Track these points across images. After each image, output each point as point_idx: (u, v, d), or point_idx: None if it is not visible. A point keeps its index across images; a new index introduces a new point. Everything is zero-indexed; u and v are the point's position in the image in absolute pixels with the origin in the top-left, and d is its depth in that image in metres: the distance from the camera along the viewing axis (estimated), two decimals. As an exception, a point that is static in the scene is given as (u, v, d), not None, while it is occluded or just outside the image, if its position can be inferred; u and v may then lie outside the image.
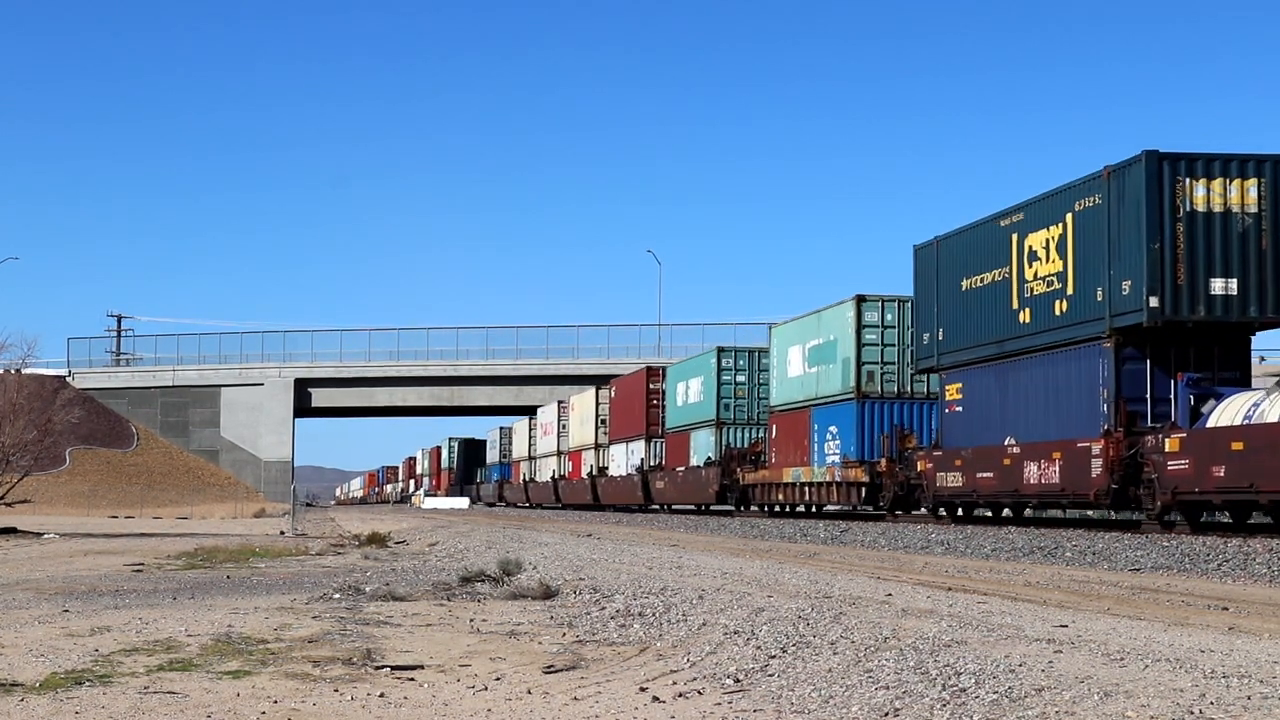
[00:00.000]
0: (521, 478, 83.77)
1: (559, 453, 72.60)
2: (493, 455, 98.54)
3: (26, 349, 46.90)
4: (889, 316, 35.29)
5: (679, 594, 12.30)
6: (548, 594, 13.59)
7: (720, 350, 47.48)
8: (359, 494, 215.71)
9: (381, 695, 8.17)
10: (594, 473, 63.94)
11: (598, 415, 63.78)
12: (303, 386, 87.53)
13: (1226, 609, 11.26)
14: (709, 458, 46.87)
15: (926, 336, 31.48)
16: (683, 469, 50.27)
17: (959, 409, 30.17)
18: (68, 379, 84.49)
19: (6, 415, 38.48)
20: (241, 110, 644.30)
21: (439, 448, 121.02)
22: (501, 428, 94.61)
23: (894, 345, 35.20)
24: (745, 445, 45.32)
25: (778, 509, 42.15)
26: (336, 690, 8.32)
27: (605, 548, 21.94)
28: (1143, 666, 7.13)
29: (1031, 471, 26.50)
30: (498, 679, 8.82)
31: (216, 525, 47.26)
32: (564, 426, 71.85)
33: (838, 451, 35.96)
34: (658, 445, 55.05)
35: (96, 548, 27.36)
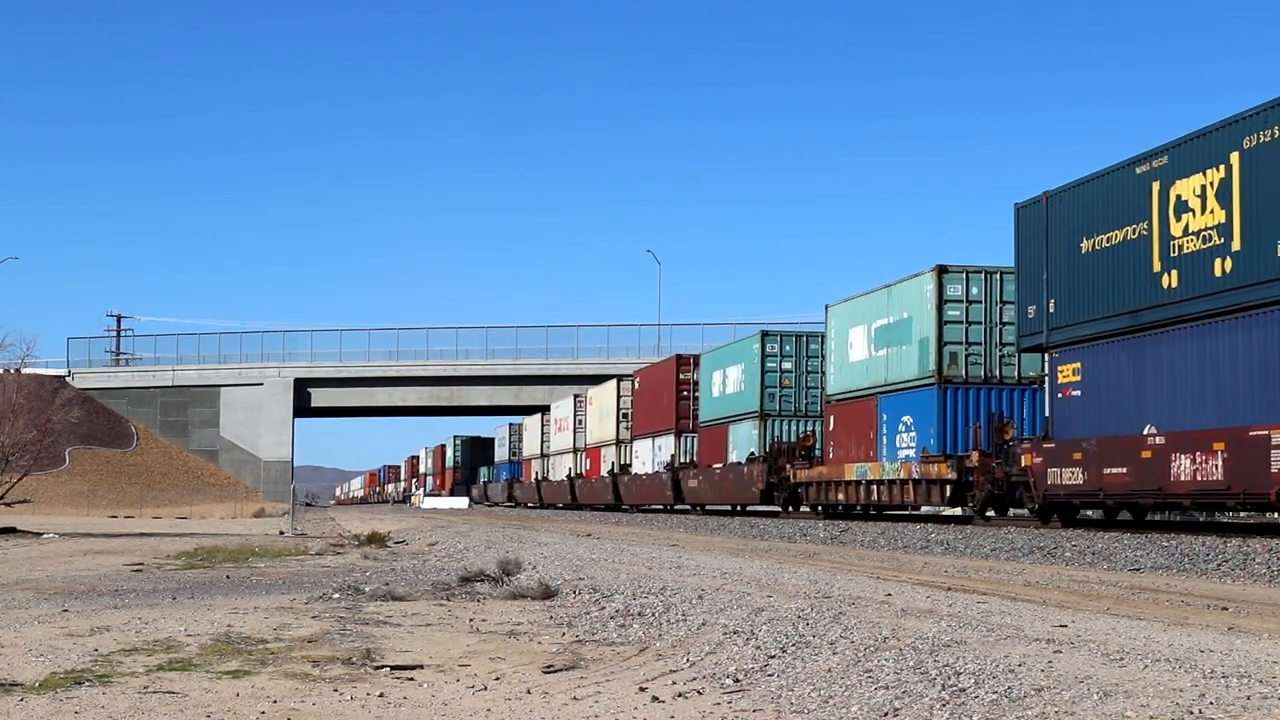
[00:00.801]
0: (533, 476, 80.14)
1: (575, 450, 68.88)
2: (501, 453, 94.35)
3: (26, 348, 46.98)
4: (974, 290, 31.35)
5: (678, 594, 12.30)
6: (547, 594, 13.59)
7: (764, 334, 42.93)
8: (359, 494, 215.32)
9: (381, 695, 8.17)
10: (615, 471, 59.90)
11: (619, 409, 60.01)
12: (302, 386, 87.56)
13: (1226, 609, 11.26)
14: (751, 453, 42.76)
15: (1033, 310, 27.08)
16: (720, 466, 46.02)
17: (1076, 393, 25.75)
18: (67, 379, 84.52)
19: (6, 415, 38.48)
20: (241, 110, 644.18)
21: (443, 446, 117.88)
22: (511, 424, 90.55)
23: (980, 323, 31.29)
24: (794, 439, 41.46)
25: (836, 510, 38.13)
26: (336, 690, 8.32)
27: (605, 548, 21.94)
28: (1142, 666, 7.13)
29: (1182, 466, 22.23)
30: (497, 679, 8.82)
31: (216, 525, 47.26)
32: (581, 422, 68.11)
33: (913, 444, 32.16)
34: (689, 440, 50.89)
35: (96, 547, 27.35)
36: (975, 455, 29.81)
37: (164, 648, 10.05)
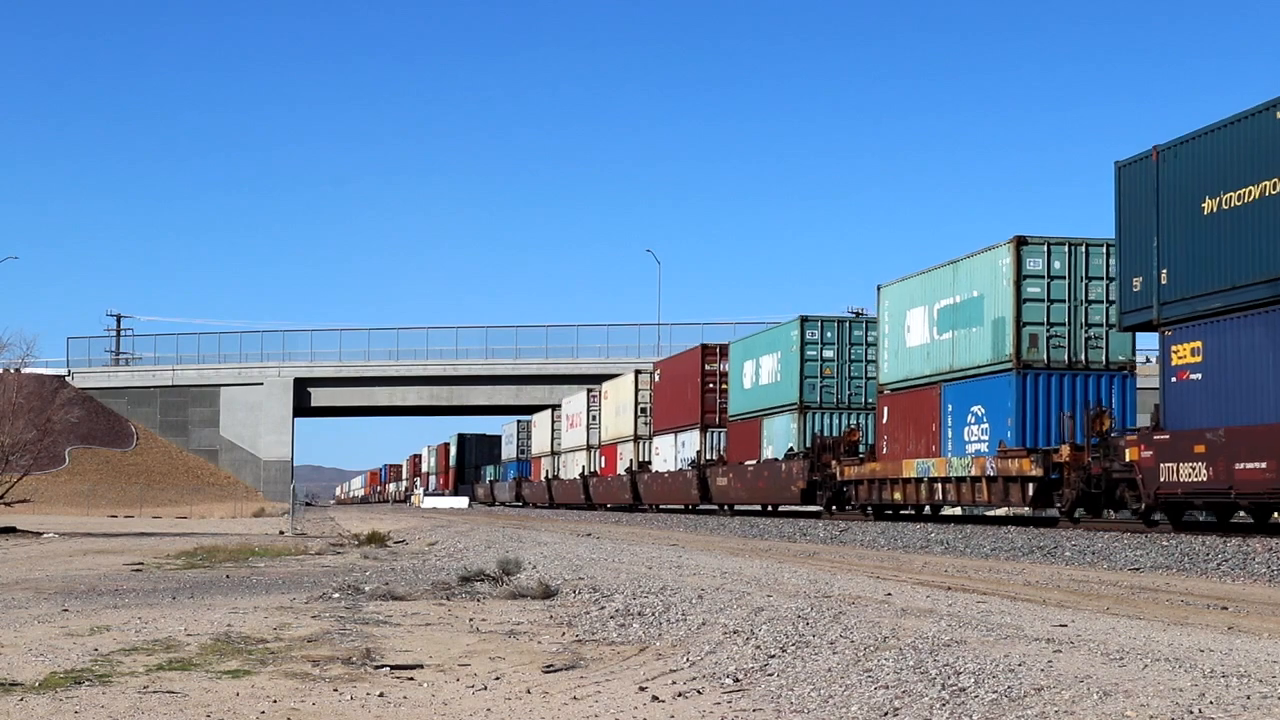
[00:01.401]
0: (543, 475, 76.89)
1: (589, 447, 65.60)
2: (509, 451, 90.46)
3: (26, 348, 47.00)
4: (1057, 264, 28.14)
5: (678, 593, 12.30)
6: (547, 593, 13.59)
7: (804, 320, 39.33)
8: (360, 493, 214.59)
9: (381, 695, 8.17)
10: (634, 468, 56.33)
11: (637, 403, 56.63)
12: (302, 386, 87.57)
13: (1226, 608, 11.26)
14: (790, 449, 39.37)
15: (1139, 282, 23.81)
16: (753, 463, 42.44)
17: (1195, 376, 22.51)
18: (67, 378, 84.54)
19: (6, 415, 38.48)
20: (241, 110, 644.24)
21: (446, 445, 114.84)
22: (519, 421, 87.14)
23: (1063, 301, 28.11)
24: (838, 433, 38.20)
25: (890, 511, 34.99)
26: (336, 690, 8.32)
27: (605, 547, 21.95)
28: (1142, 666, 7.13)
29: None
30: (497, 678, 8.82)
31: (216, 525, 47.26)
32: (594, 418, 64.88)
33: (985, 437, 28.94)
34: (716, 436, 47.54)
35: (96, 547, 27.35)
36: (1066, 449, 26.47)
37: (164, 647, 10.05)
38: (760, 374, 42.52)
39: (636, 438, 56.77)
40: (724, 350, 47.70)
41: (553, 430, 75.11)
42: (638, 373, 57.55)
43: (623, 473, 57.98)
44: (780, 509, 44.42)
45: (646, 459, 55.71)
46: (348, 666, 9.22)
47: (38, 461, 42.86)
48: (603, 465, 62.99)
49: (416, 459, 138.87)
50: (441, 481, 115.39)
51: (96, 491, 74.39)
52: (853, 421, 38.58)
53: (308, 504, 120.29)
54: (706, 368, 48.24)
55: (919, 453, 31.81)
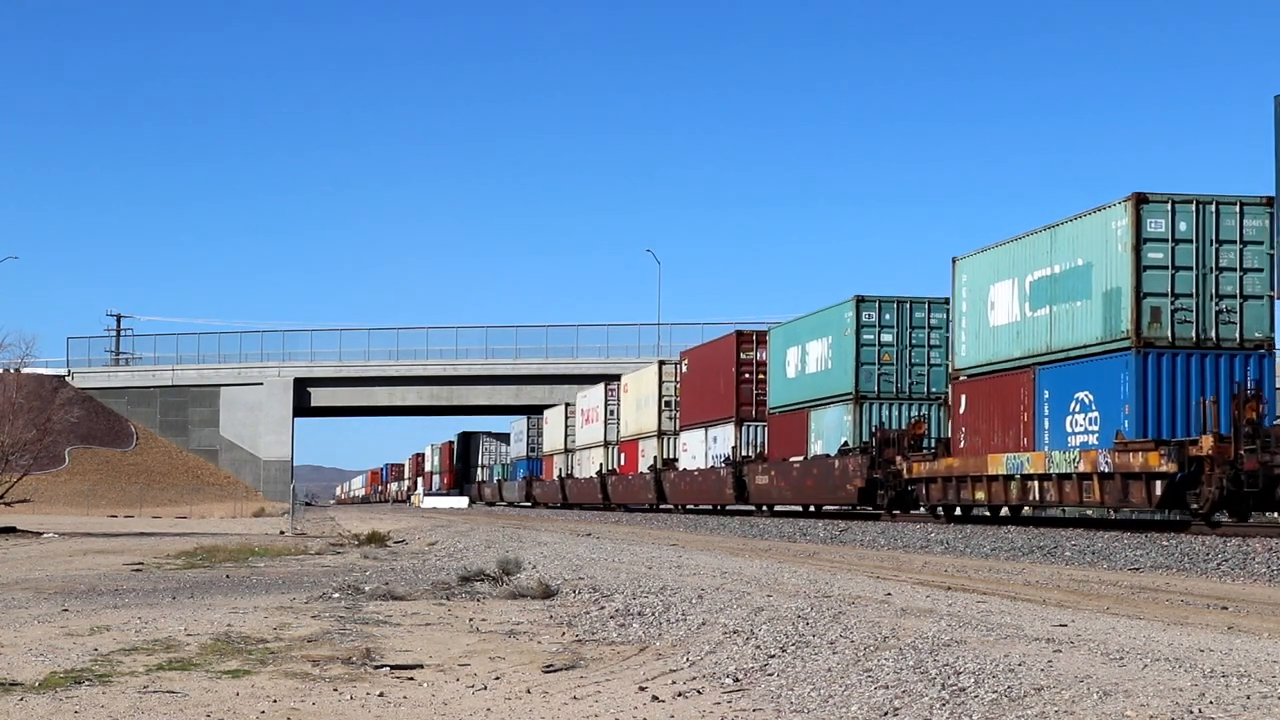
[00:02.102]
0: (556, 473, 73.62)
1: (607, 443, 62.09)
2: (518, 449, 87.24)
3: (26, 348, 46.96)
4: (1182, 226, 24.50)
5: (678, 593, 12.31)
6: (547, 593, 13.59)
7: (860, 301, 35.50)
8: (361, 493, 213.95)
9: (381, 695, 8.17)
10: (658, 466, 53.01)
11: (661, 396, 52.99)
12: (302, 386, 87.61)
13: (1226, 608, 11.26)
14: (845, 443, 35.62)
15: None
16: (799, 460, 38.63)
17: None
18: (67, 378, 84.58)
19: (6, 415, 38.48)
20: (241, 110, 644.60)
21: (451, 443, 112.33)
22: (530, 417, 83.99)
23: (1189, 269, 24.44)
24: (902, 426, 34.67)
25: (971, 513, 31.63)
26: (336, 690, 8.32)
27: (605, 547, 21.95)
28: (1142, 666, 7.13)
29: None
30: (497, 678, 8.82)
31: (216, 524, 47.26)
32: (613, 412, 61.33)
33: (1094, 428, 25.24)
34: (754, 430, 43.91)
35: (96, 547, 27.34)
36: (1208, 440, 22.43)
37: (164, 647, 10.05)
38: (807, 361, 38.71)
39: (661, 433, 53.49)
40: (761, 337, 43.94)
41: (566, 426, 72.04)
42: (662, 364, 54.36)
43: (645, 470, 54.76)
44: (828, 510, 40.85)
45: (672, 456, 52.54)
46: (348, 666, 9.22)
47: (38, 461, 42.87)
48: (622, 463, 59.67)
49: (419, 458, 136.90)
50: (446, 481, 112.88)
51: (96, 491, 74.40)
52: (916, 413, 34.90)
53: (307, 504, 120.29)
54: (742, 356, 44.28)
55: (1007, 446, 28.17)
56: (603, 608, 12.13)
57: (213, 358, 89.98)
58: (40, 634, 10.87)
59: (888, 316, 35.71)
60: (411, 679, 8.78)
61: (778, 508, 43.14)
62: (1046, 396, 27.09)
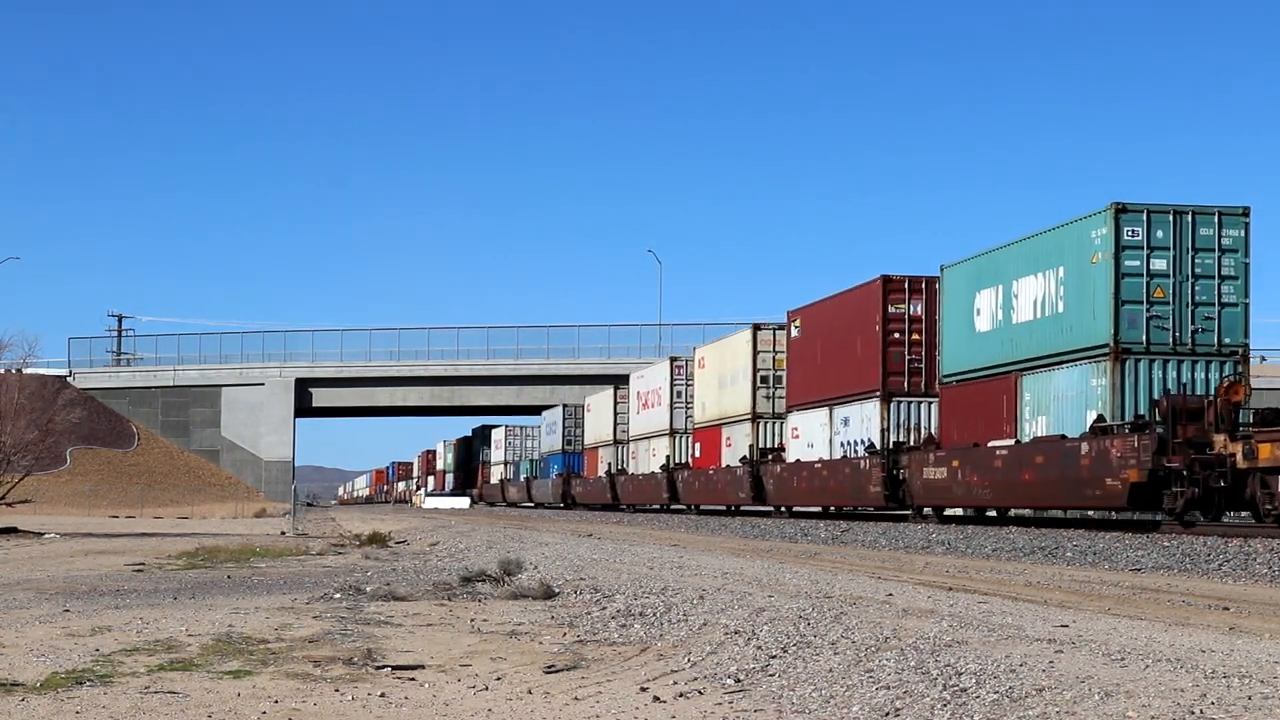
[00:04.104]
0: (603, 469, 63.49)
1: (673, 432, 52.42)
2: (551, 442, 76.74)
3: (27, 349, 47.03)
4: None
5: (680, 594, 12.31)
6: (548, 594, 13.60)
7: (1119, 210, 25.09)
8: (365, 492, 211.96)
9: (382, 695, 8.17)
10: (753, 458, 42.37)
11: (756, 370, 43.02)
12: (303, 386, 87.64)
13: (1227, 609, 11.26)
14: (1098, 418, 24.95)
15: None
16: (1005, 447, 27.76)
17: None
18: (69, 379, 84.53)
19: (8, 415, 38.52)
20: (241, 109, 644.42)
21: (467, 439, 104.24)
22: (565, 405, 74.79)
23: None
24: (1195, 389, 24.41)
25: None
26: (337, 690, 8.32)
27: (606, 548, 21.95)
28: (1143, 666, 7.13)
29: None
30: (498, 679, 8.82)
31: (217, 525, 47.27)
32: (680, 394, 52.41)
33: None
34: (909, 408, 33.48)
35: (97, 547, 27.36)
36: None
37: (165, 648, 10.06)
38: (1015, 306, 28.23)
39: (756, 416, 42.97)
40: (918, 283, 33.55)
41: (615, 413, 62.32)
42: (758, 328, 43.47)
43: (736, 464, 43.98)
44: (1086, 518, 31.69)
45: (775, 444, 42.26)
46: (349, 667, 9.22)
47: (39, 462, 42.90)
48: (697, 454, 49.30)
49: (430, 455, 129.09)
50: (460, 479, 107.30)
51: (98, 492, 74.41)
52: (1217, 373, 25.04)
53: (309, 504, 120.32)
54: (891, 309, 33.71)
55: None
56: (604, 608, 12.13)
57: (214, 358, 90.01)
58: (42, 634, 10.88)
59: (1160, 233, 25.34)
60: (413, 679, 8.79)
61: (950, 511, 32.84)
62: None
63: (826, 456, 36.60)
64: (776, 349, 42.54)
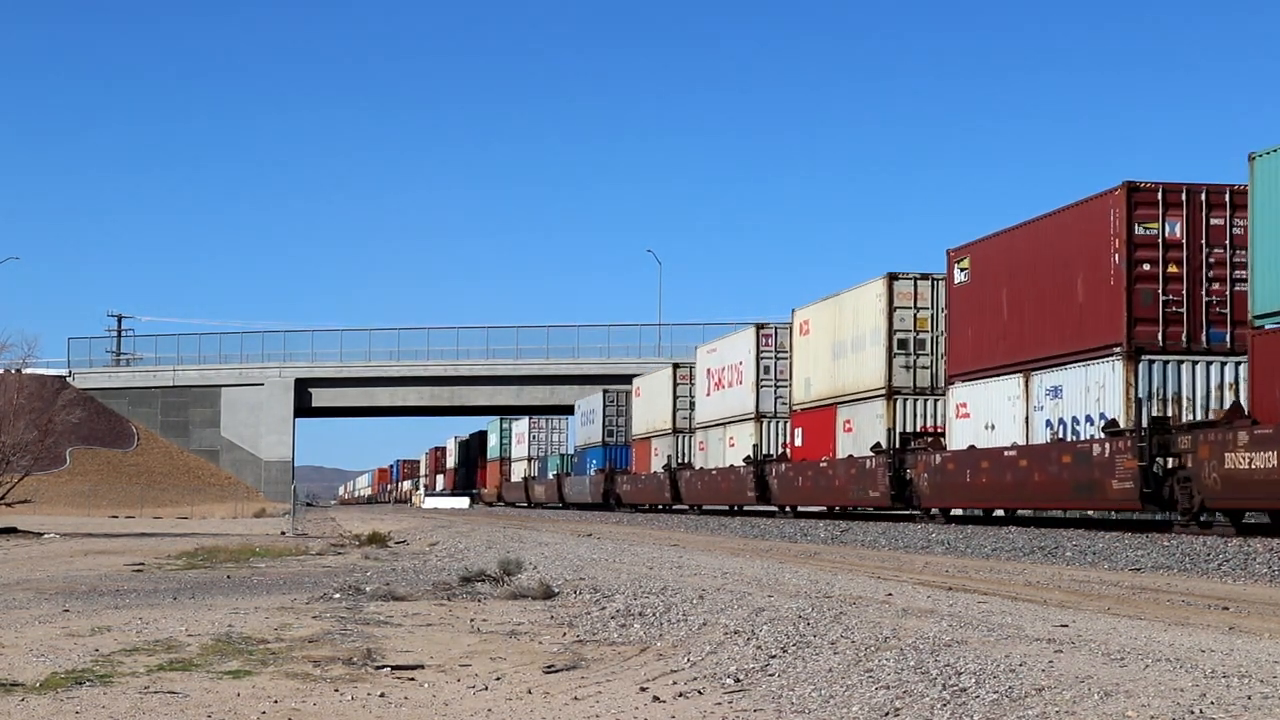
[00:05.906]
0: (656, 463, 54.08)
1: (759, 417, 42.55)
2: (588, 434, 66.92)
3: (27, 349, 46.94)
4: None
5: (679, 594, 12.31)
6: (548, 594, 13.60)
7: None
8: (367, 492, 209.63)
9: (382, 695, 8.17)
10: (893, 448, 32.40)
11: (892, 333, 33.17)
12: (303, 386, 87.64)
13: (1227, 609, 11.26)
14: None
15: None
16: None
17: None
18: (68, 379, 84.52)
19: (7, 415, 38.50)
20: (241, 110, 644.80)
21: (483, 433, 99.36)
22: (605, 390, 65.00)
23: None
24: None
25: None
26: (337, 690, 8.32)
27: (605, 547, 21.95)
28: (1143, 666, 7.13)
29: None
30: (498, 679, 8.82)
31: (217, 525, 47.26)
32: (768, 369, 42.58)
33: None
34: (1177, 370, 24.00)
35: (97, 547, 27.35)
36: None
37: (165, 648, 10.06)
38: None
39: (892, 393, 32.88)
40: (1190, 194, 24.16)
41: (674, 398, 52.99)
42: (894, 278, 33.26)
43: (864, 455, 33.81)
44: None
45: (923, 427, 32.86)
46: (349, 667, 9.22)
47: (39, 462, 42.86)
48: (798, 443, 39.25)
49: (439, 452, 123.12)
50: (463, 477, 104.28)
51: (97, 492, 74.39)
52: None
53: (309, 504, 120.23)
54: (1139, 230, 24.18)
55: None
56: (604, 608, 12.13)
57: (213, 358, 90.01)
58: (41, 634, 10.88)
59: None
60: (412, 679, 8.79)
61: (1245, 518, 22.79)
62: None
63: (1021, 441, 26.98)
64: (919, 305, 33.11)
